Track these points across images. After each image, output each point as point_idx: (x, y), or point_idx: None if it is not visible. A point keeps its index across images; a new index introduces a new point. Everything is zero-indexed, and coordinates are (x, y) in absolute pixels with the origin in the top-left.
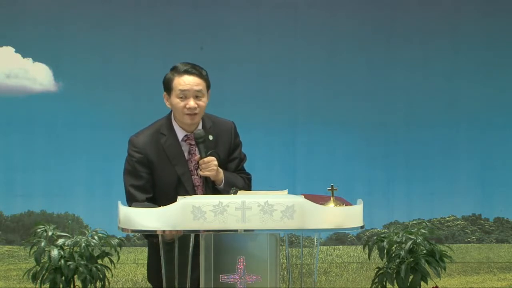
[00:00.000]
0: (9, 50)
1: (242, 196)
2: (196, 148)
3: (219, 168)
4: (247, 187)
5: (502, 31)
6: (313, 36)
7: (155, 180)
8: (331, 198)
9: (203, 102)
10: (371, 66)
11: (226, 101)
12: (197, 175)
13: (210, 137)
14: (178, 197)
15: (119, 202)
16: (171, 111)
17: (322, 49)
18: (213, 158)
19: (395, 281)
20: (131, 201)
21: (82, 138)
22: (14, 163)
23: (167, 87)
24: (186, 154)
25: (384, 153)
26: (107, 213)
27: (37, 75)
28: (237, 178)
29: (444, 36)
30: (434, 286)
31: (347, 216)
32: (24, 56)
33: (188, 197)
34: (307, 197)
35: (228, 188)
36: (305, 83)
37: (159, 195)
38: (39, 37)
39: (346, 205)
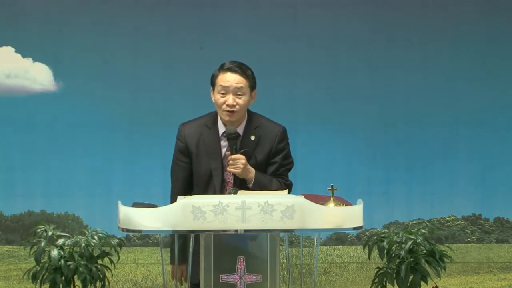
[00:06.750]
0: (9, 50)
1: (242, 196)
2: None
3: (250, 167)
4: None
5: (502, 31)
6: (313, 36)
7: (193, 170)
8: (331, 198)
9: (242, 100)
10: (371, 66)
11: None
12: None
13: (252, 137)
14: (178, 197)
15: (119, 202)
16: None
17: (322, 49)
18: (241, 156)
19: (395, 281)
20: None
21: (82, 138)
22: (14, 163)
23: (212, 82)
24: (224, 150)
25: (384, 153)
26: (107, 213)
27: (37, 75)
28: (271, 181)
29: (444, 36)
30: (434, 286)
31: (347, 216)
32: (24, 56)
33: (188, 197)
34: (307, 197)
35: (258, 188)
36: (305, 83)
37: (194, 185)
38: (39, 37)
39: (346, 205)
